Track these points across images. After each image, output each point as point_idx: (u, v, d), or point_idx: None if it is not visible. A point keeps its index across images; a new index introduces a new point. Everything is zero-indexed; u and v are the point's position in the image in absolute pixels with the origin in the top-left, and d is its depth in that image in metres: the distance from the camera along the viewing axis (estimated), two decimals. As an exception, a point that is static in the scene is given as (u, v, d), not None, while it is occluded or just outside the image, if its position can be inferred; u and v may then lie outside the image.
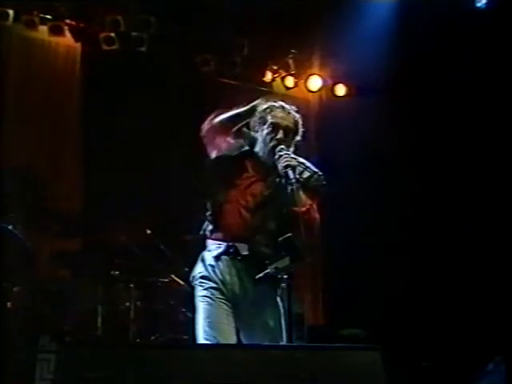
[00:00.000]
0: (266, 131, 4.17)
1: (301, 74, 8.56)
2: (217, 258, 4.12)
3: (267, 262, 3.97)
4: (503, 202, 7.39)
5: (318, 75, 8.60)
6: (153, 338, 6.26)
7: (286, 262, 3.87)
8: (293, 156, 4.09)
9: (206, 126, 4.25)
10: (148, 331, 6.35)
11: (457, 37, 7.21)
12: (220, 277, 4.10)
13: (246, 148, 4.26)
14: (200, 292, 4.11)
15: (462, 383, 6.68)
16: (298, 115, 4.27)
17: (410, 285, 7.57)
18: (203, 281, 4.12)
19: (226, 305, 4.07)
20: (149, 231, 6.55)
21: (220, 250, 4.11)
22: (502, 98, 7.34)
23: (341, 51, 7.69)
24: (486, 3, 7.02)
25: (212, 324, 4.00)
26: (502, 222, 7.36)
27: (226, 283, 4.09)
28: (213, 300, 4.05)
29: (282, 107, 4.24)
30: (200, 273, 4.16)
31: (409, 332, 7.32)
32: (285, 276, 3.88)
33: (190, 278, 4.23)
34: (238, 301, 4.09)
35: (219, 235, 4.14)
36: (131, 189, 6.86)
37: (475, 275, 7.31)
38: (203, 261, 4.18)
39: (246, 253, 4.07)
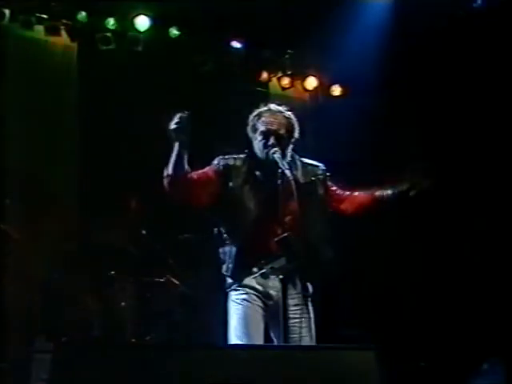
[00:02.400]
0: (258, 139, 4.15)
1: (297, 74, 8.55)
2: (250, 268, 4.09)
3: (262, 261, 3.99)
4: (498, 203, 7.39)
5: (315, 75, 8.60)
6: (148, 337, 6.26)
7: (282, 262, 3.87)
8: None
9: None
10: (144, 331, 6.34)
11: (455, 37, 7.22)
12: (258, 284, 4.08)
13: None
14: (239, 296, 4.09)
15: (459, 383, 6.68)
16: (290, 114, 4.22)
17: (407, 285, 7.57)
18: (244, 288, 4.09)
19: (262, 309, 4.08)
20: (144, 231, 6.55)
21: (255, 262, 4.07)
22: (501, 98, 7.34)
23: (338, 51, 7.68)
24: (485, 3, 7.02)
25: (250, 328, 4.00)
26: (500, 221, 7.36)
27: (261, 289, 4.08)
28: (252, 304, 4.05)
29: (269, 109, 4.18)
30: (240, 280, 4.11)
31: (406, 332, 7.32)
32: (281, 276, 3.89)
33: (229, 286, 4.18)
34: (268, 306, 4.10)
35: (253, 248, 4.07)
36: (130, 189, 6.84)
37: (472, 276, 7.31)
38: (240, 270, 4.12)
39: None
